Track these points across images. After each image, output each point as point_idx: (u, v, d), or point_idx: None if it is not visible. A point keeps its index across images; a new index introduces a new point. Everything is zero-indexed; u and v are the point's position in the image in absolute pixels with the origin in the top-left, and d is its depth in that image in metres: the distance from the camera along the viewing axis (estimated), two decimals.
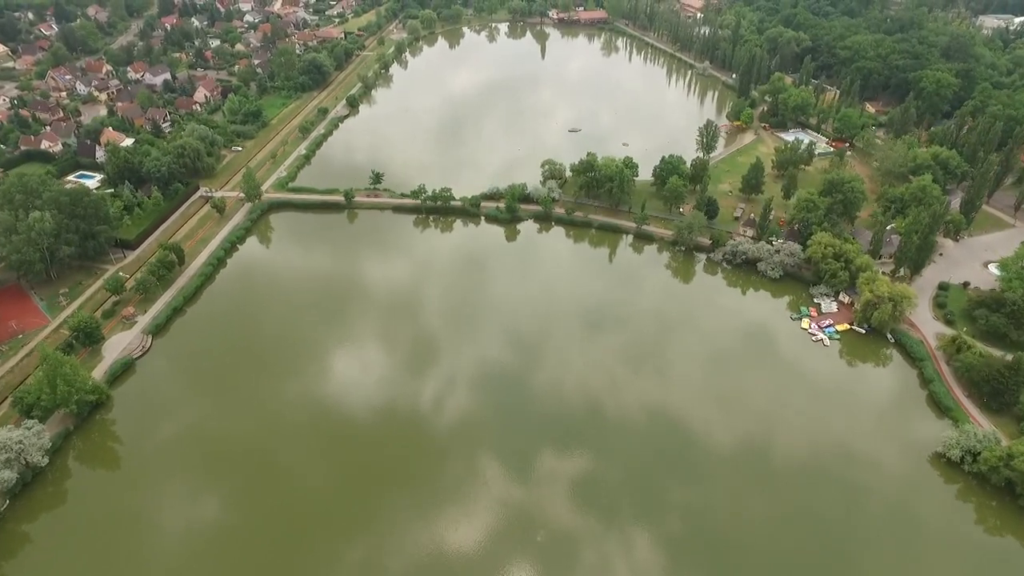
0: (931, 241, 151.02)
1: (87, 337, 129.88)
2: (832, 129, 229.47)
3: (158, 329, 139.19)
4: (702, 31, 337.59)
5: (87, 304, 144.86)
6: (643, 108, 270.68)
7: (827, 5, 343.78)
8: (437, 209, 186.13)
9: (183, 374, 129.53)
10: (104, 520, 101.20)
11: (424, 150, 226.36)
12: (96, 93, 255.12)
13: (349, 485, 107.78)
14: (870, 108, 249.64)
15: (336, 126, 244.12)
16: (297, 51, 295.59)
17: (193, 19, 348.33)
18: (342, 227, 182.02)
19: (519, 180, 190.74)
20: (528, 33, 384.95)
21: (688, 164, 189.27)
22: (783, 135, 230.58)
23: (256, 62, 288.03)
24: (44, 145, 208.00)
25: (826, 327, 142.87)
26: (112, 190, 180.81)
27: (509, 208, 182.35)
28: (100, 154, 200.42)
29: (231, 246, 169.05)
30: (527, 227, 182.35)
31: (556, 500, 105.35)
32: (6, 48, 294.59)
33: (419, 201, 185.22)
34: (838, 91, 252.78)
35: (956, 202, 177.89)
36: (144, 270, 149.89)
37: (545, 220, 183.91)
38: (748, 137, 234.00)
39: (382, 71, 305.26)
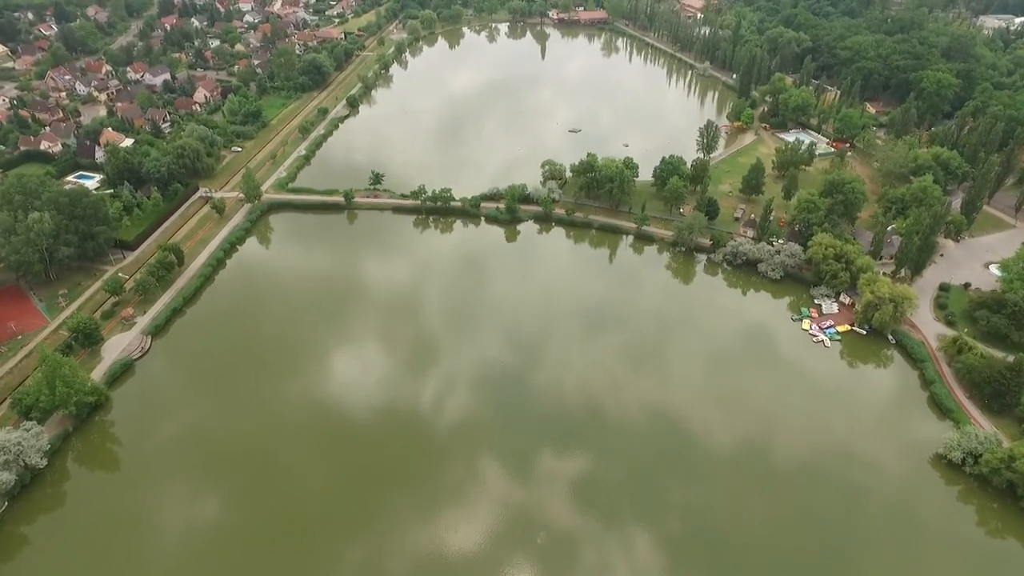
0: (932, 242, 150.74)
1: (86, 338, 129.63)
2: (833, 130, 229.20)
3: (157, 330, 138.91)
4: (702, 31, 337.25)
5: (86, 305, 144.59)
6: (643, 108, 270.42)
7: (827, 5, 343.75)
8: (437, 210, 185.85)
9: (182, 375, 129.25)
10: (103, 522, 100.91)
11: (424, 150, 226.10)
12: (96, 93, 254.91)
13: (349, 485, 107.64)
14: (871, 108, 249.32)
15: (336, 126, 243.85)
16: (297, 51, 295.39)
17: (193, 19, 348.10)
18: (342, 228, 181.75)
19: (519, 180, 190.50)
20: (528, 33, 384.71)
21: (688, 165, 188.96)
22: (783, 136, 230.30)
23: (256, 62, 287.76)
24: (43, 145, 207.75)
25: (827, 328, 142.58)
26: (111, 191, 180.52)
27: (509, 209, 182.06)
28: (99, 155, 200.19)
29: (231, 247, 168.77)
30: (527, 228, 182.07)
31: (556, 500, 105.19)
32: (6, 48, 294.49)
33: (419, 202, 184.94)
34: (838, 91, 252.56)
35: (957, 203, 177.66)
36: (143, 271, 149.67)
37: (545, 221, 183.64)
38: (748, 138, 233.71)
39: (382, 71, 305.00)
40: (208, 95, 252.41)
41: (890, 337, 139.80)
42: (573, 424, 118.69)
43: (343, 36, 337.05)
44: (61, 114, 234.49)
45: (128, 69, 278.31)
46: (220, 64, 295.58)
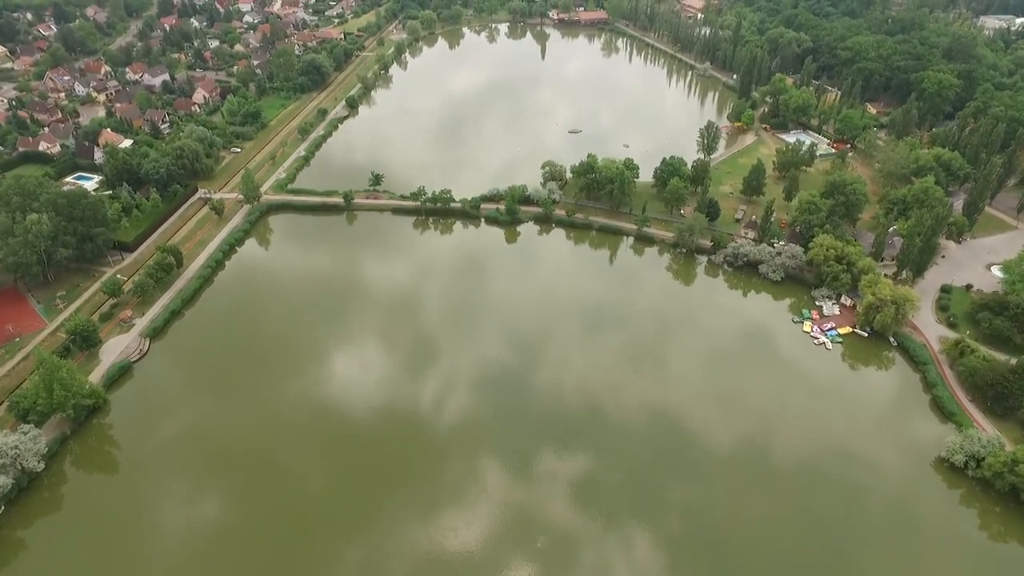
0: (934, 243, 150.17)
1: (84, 340, 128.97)
2: (833, 130, 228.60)
3: (156, 332, 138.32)
4: (703, 32, 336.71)
5: (84, 307, 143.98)
6: (644, 109, 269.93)
7: (828, 6, 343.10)
8: (437, 211, 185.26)
9: (181, 377, 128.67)
10: (101, 525, 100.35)
11: (424, 151, 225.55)
12: (95, 94, 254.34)
13: (349, 485, 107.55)
14: (871, 109, 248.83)
15: (335, 127, 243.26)
16: (296, 52, 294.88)
17: (192, 20, 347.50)
18: (341, 229, 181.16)
19: (519, 181, 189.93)
20: (528, 34, 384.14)
21: (689, 166, 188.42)
22: (784, 136, 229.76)
23: (255, 63, 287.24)
24: (42, 146, 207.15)
25: (828, 330, 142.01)
26: (110, 192, 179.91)
27: (509, 210, 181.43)
28: (98, 155, 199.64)
29: (230, 248, 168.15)
30: (527, 229, 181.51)
31: (556, 500, 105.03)
32: (4, 49, 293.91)
33: (419, 203, 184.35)
34: (839, 92, 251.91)
35: (958, 204, 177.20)
36: (142, 273, 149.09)
37: (545, 222, 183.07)
38: (749, 138, 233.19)
39: (382, 72, 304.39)
40: (207, 96, 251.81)
41: (892, 339, 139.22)
42: (573, 424, 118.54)
43: (343, 36, 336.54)
44: (60, 115, 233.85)
45: (127, 70, 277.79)
46: (219, 65, 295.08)
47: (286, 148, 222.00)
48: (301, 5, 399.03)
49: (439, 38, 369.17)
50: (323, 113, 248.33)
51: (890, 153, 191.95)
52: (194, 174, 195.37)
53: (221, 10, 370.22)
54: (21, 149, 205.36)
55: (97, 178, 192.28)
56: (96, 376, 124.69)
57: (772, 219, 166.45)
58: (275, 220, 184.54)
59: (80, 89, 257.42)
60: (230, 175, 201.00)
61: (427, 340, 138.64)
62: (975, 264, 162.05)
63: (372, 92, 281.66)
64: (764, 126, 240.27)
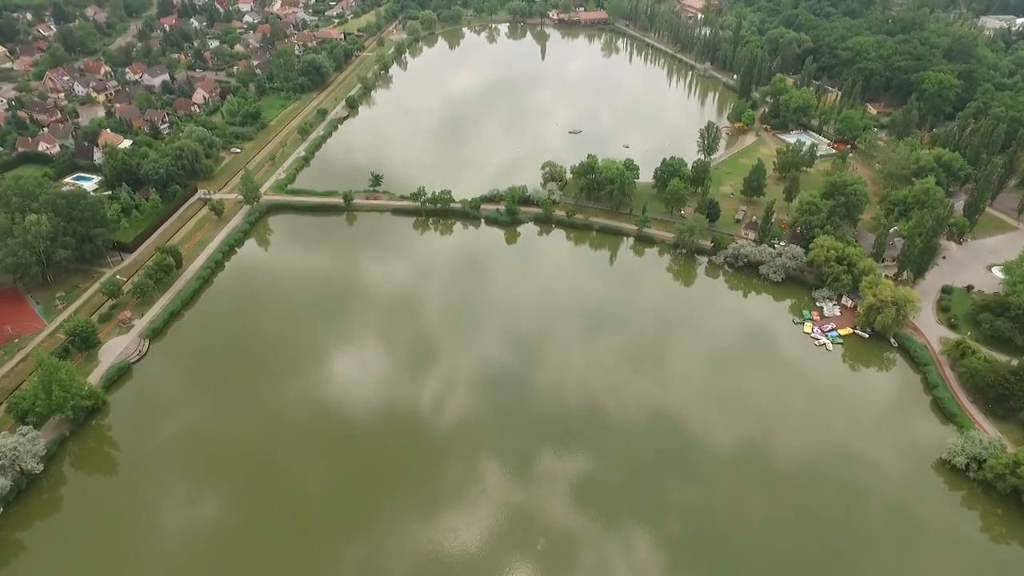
0: (934, 244, 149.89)
1: (83, 341, 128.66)
2: (834, 131, 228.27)
3: (155, 333, 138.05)
4: (703, 32, 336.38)
5: (84, 308, 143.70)
6: (644, 109, 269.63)
7: (828, 6, 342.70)
8: (437, 211, 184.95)
9: (181, 378, 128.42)
10: (100, 526, 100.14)
11: (424, 151, 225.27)
12: (94, 94, 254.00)
13: (349, 485, 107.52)
14: (872, 109, 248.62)
15: (335, 127, 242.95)
16: (296, 52, 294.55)
17: (192, 20, 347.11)
18: (341, 229, 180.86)
19: (519, 182, 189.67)
20: (528, 34, 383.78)
21: (689, 166, 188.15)
22: (784, 137, 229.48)
23: (255, 63, 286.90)
24: (42, 147, 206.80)
25: (829, 331, 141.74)
26: (110, 192, 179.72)
27: (509, 210, 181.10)
28: (98, 156, 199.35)
29: (229, 249, 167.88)
30: (527, 230, 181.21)
31: (556, 500, 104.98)
32: (4, 49, 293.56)
33: (418, 203, 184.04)
34: (839, 92, 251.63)
35: (959, 205, 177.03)
36: (141, 273, 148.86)
37: (545, 223, 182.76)
38: (749, 139, 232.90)
39: (382, 72, 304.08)
40: (207, 96, 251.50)
41: (892, 340, 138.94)
42: (573, 424, 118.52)
43: (343, 37, 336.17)
44: (59, 115, 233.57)
45: (127, 70, 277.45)
46: (219, 65, 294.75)
47: (286, 148, 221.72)
48: (301, 5, 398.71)
49: (439, 38, 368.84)
50: (323, 113, 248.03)
51: (891, 154, 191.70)
52: (194, 174, 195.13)
53: (221, 10, 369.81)
54: (20, 149, 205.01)
55: (96, 179, 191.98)
56: (95, 377, 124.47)
57: (773, 220, 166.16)
58: (275, 221, 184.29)
59: (80, 89, 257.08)
60: (230, 175, 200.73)
61: (427, 341, 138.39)
62: (976, 265, 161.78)
63: (372, 92, 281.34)
64: (764, 126, 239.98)
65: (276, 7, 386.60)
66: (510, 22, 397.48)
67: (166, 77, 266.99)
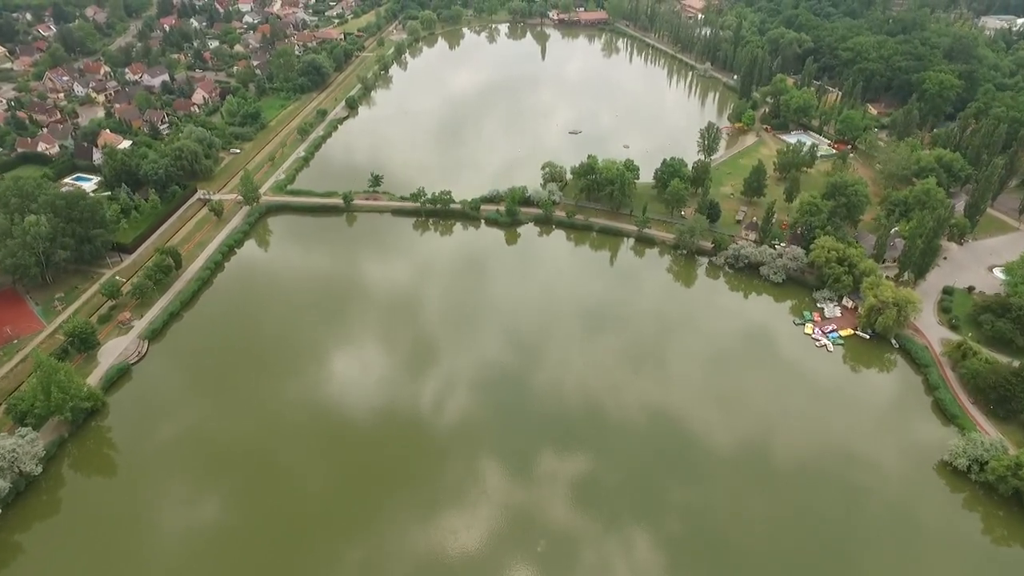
0: (935, 245, 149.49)
1: (82, 343, 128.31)
2: (834, 131, 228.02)
3: (154, 334, 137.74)
4: (703, 32, 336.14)
5: (83, 309, 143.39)
6: (644, 110, 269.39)
7: (829, 6, 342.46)
8: (436, 212, 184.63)
9: (180, 379, 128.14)
10: (99, 528, 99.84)
11: (424, 152, 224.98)
12: (94, 95, 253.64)
13: (349, 485, 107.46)
14: (872, 110, 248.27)
15: (335, 128, 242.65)
16: (296, 52, 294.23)
17: (192, 20, 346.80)
18: (341, 230, 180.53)
19: (519, 182, 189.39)
20: (528, 34, 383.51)
21: (689, 167, 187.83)
22: (785, 137, 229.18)
23: (255, 63, 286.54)
24: (41, 147, 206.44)
25: (829, 332, 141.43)
26: (109, 193, 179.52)
27: (509, 211, 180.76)
28: (97, 156, 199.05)
29: (229, 250, 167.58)
30: (527, 230, 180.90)
31: (556, 500, 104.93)
32: (4, 49, 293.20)
33: (418, 204, 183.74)
34: (840, 93, 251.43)
35: (960, 205, 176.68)
36: (141, 274, 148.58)
37: (545, 223, 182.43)
38: (750, 139, 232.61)
39: (381, 72, 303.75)
40: (207, 96, 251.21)
41: (893, 341, 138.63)
42: (573, 425, 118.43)
43: (342, 37, 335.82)
44: (59, 115, 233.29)
45: (127, 70, 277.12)
46: (219, 65, 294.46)
47: (285, 149, 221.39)
48: (301, 5, 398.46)
49: (439, 38, 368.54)
50: (323, 114, 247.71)
51: (891, 154, 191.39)
52: (193, 175, 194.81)
53: (221, 10, 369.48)
54: (20, 150, 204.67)
55: (96, 179, 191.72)
56: (94, 378, 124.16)
57: (773, 220, 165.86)
58: (274, 221, 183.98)
59: (79, 90, 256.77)
60: (229, 176, 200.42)
61: (427, 341, 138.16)
62: (977, 266, 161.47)
63: (372, 93, 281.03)
64: (765, 127, 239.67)
65: (276, 7, 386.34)
66: (510, 22, 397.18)
67: (166, 77, 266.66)
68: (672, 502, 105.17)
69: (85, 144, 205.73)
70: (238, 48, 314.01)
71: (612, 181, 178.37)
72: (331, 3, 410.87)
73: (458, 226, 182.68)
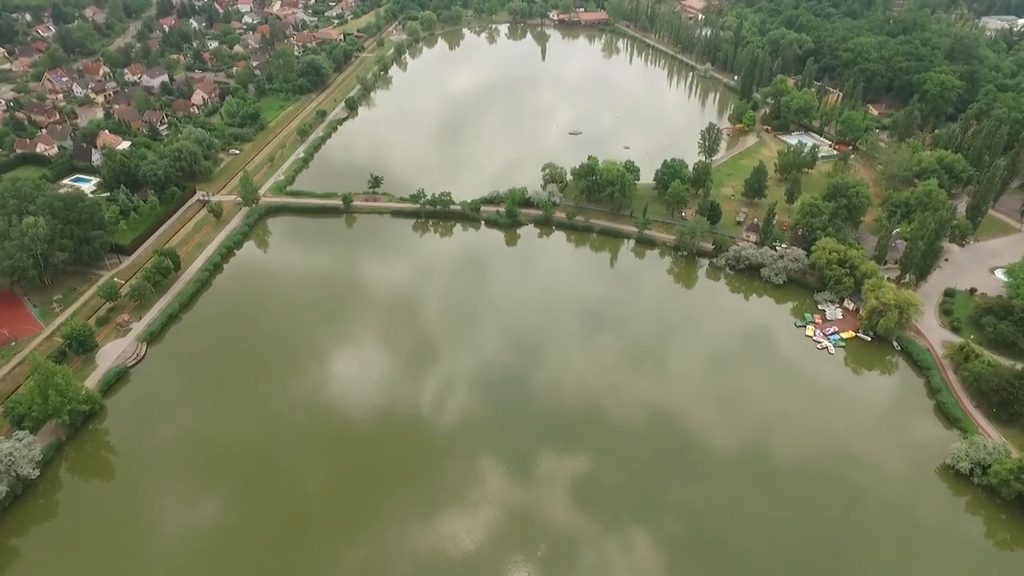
0: (937, 246, 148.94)
1: (80, 345, 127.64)
2: (835, 132, 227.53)
3: (153, 336, 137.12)
4: (703, 33, 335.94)
5: (81, 311, 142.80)
6: (644, 110, 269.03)
7: (829, 7, 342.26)
8: (436, 213, 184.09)
9: (178, 382, 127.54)
10: (97, 532, 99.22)
11: (423, 153, 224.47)
12: (93, 95, 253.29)
13: (349, 485, 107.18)
14: (873, 111, 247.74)
15: (335, 129, 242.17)
16: (296, 53, 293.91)
17: (191, 20, 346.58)
18: (340, 231, 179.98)
19: (519, 183, 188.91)
20: (528, 34, 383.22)
21: (690, 168, 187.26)
22: (786, 138, 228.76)
23: (254, 64, 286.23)
24: (40, 148, 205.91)
25: (831, 334, 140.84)
26: (108, 194, 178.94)
27: (509, 212, 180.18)
28: (96, 157, 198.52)
29: (228, 251, 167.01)
30: (527, 232, 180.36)
31: (556, 500, 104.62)
32: (3, 50, 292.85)
33: (418, 205, 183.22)
34: (841, 93, 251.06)
35: (962, 207, 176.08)
36: (139, 276, 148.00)
37: (546, 225, 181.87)
38: (750, 140, 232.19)
39: (381, 73, 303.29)
40: (206, 97, 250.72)
41: (895, 344, 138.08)
42: (573, 425, 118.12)
43: (342, 37, 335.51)
44: (58, 116, 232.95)
45: (126, 71, 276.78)
46: (218, 66, 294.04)
47: (285, 150, 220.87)
48: (300, 6, 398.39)
49: (439, 39, 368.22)
50: (322, 115, 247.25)
51: (892, 155, 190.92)
52: (192, 176, 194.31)
53: (220, 11, 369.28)
54: (18, 151, 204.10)
55: (95, 180, 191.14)
56: (92, 381, 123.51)
57: (774, 222, 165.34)
58: (274, 223, 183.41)
59: (78, 90, 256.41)
60: (228, 177, 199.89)
61: (427, 342, 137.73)
62: (979, 267, 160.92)
63: (371, 93, 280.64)
64: (765, 128, 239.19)
65: (275, 8, 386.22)
66: (510, 23, 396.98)
67: (165, 78, 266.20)
68: (672, 502, 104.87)
69: (84, 145, 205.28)
70: (237, 49, 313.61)
71: (612, 182, 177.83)
72: (331, 4, 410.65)
73: (458, 227, 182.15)
